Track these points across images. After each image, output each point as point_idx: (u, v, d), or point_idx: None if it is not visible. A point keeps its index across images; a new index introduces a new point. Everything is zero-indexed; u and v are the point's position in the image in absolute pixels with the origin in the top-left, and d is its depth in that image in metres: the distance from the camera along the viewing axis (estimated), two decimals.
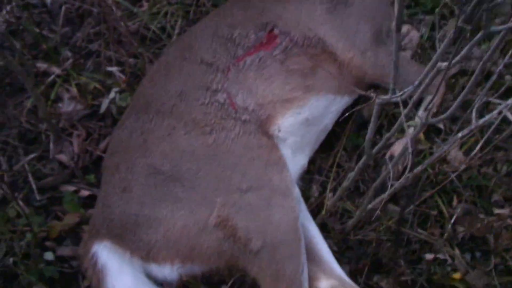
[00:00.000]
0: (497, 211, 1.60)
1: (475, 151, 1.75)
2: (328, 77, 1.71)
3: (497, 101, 1.67)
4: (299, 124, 1.63)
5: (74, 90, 1.83)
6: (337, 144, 1.79)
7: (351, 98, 1.79)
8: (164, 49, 1.93)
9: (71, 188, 1.67)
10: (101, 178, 1.56)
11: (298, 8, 1.73)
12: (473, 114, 1.71)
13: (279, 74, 1.63)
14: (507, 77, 1.96)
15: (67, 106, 1.79)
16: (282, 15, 1.70)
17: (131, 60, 1.92)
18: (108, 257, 1.44)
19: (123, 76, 1.88)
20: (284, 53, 1.65)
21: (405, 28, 2.06)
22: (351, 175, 1.47)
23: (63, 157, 1.71)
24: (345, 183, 1.49)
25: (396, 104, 1.82)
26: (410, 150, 1.74)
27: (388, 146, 1.78)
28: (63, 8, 2.01)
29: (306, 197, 1.66)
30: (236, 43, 1.64)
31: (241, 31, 1.65)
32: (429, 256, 1.57)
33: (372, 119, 1.24)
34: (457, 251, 1.56)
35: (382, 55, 1.79)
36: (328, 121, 1.72)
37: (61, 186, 1.68)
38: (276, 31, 1.67)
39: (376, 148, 1.36)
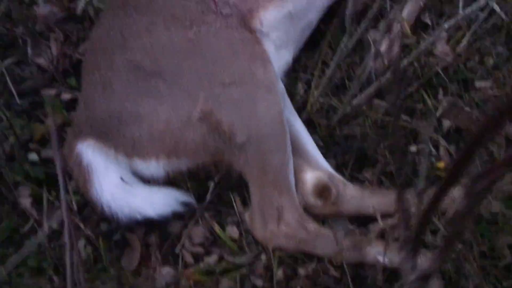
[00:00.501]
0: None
1: (462, 44, 1.74)
2: None
3: None
4: (282, 18, 1.58)
5: None
6: (322, 42, 1.75)
7: None
8: None
9: (52, 91, 1.64)
10: (82, 78, 1.53)
11: None
12: (460, 3, 1.69)
13: None
14: None
15: (42, 9, 1.73)
16: None
17: None
18: (92, 155, 1.43)
19: None
20: None
21: None
22: (330, 68, 1.45)
23: (42, 61, 1.67)
24: (328, 72, 1.46)
25: None
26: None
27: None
28: None
29: (291, 95, 1.64)
30: None
31: None
32: (413, 148, 1.58)
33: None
34: (442, 141, 1.57)
35: None
36: (312, 16, 1.67)
37: (42, 90, 1.64)
38: None
39: (357, 35, 1.32)
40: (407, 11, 1.81)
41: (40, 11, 1.72)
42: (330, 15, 1.76)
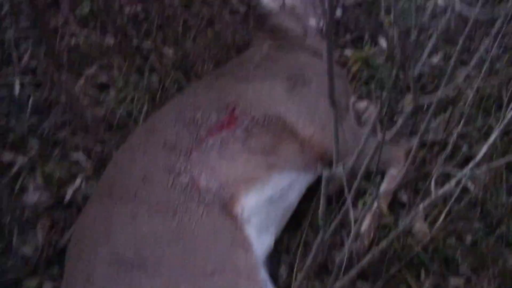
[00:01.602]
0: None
1: (439, 222, 1.79)
2: (291, 155, 1.75)
3: (455, 172, 1.72)
4: (263, 203, 1.64)
5: (39, 179, 1.83)
6: (304, 221, 1.80)
7: (315, 174, 1.82)
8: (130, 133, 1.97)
9: (34, 282, 1.63)
10: (65, 268, 1.53)
11: (258, 88, 1.80)
12: (432, 185, 1.77)
13: (241, 153, 1.66)
14: (464, 147, 2.02)
15: (32, 197, 1.79)
16: (243, 95, 1.76)
17: (97, 146, 1.95)
18: None
19: (89, 163, 1.90)
20: (245, 132, 1.69)
21: (363, 103, 2.14)
22: (312, 253, 1.47)
23: (26, 249, 1.68)
24: (308, 262, 1.48)
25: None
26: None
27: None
28: (31, 98, 2.06)
29: (275, 277, 1.64)
30: (198, 124, 1.68)
31: (203, 112, 1.70)
32: None
33: (322, 192, 1.26)
34: None
35: (342, 129, 1.85)
36: (292, 198, 1.74)
37: (24, 280, 1.64)
38: (237, 112, 1.72)
39: (333, 224, 1.37)
40: (384, 189, 1.89)
41: (29, 199, 1.78)
42: (311, 193, 1.84)
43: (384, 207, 1.85)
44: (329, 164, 1.86)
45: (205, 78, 1.91)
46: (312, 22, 2.31)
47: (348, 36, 2.50)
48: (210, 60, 2.02)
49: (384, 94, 2.19)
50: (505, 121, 1.33)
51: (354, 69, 2.27)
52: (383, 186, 1.90)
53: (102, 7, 2.21)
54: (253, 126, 1.71)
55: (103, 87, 2.12)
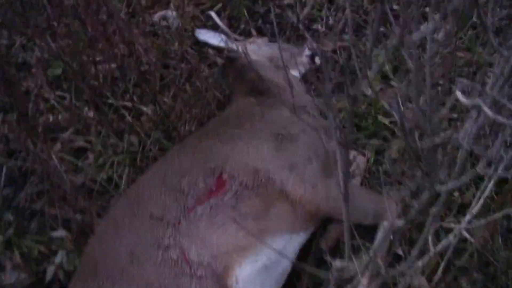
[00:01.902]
0: None
1: (437, 276, 1.74)
2: (282, 216, 1.68)
3: (452, 225, 1.69)
4: (257, 271, 1.57)
5: (17, 257, 1.72)
6: (298, 284, 1.73)
7: (307, 234, 1.76)
8: (112, 201, 1.88)
9: None
10: None
11: (245, 148, 1.74)
12: (429, 241, 1.72)
13: (231, 221, 1.59)
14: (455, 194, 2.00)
15: (10, 277, 1.68)
16: (229, 157, 1.70)
17: (77, 216, 1.85)
18: None
19: (69, 236, 1.80)
20: (234, 197, 1.62)
21: (351, 154, 2.10)
22: None
23: None
24: None
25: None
26: None
27: None
28: (4, 168, 1.96)
29: None
30: (185, 193, 1.60)
31: (189, 179, 1.63)
32: None
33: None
34: None
35: (333, 187, 1.80)
36: (286, 262, 1.67)
37: None
38: (224, 176, 1.66)
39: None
40: (378, 244, 1.84)
41: (7, 279, 1.67)
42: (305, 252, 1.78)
43: (381, 262, 1.79)
44: (322, 220, 1.82)
45: (188, 140, 1.85)
46: (293, 72, 2.29)
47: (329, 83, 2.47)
48: (191, 119, 1.95)
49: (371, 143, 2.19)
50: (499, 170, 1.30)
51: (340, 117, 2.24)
52: (377, 241, 1.85)
53: (75, 67, 2.13)
54: (242, 190, 1.64)
55: (81, 152, 2.04)
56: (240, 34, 2.61)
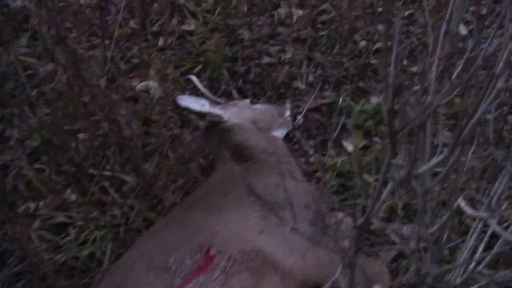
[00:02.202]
0: None
1: None
2: None
3: None
4: None
5: None
6: None
7: None
8: (95, 281, 1.80)
9: None
10: None
11: (232, 221, 1.70)
12: None
13: None
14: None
15: None
16: (217, 231, 1.65)
17: None
18: None
19: None
20: (224, 273, 1.56)
21: (338, 216, 2.07)
22: None
23: None
24: None
25: None
26: None
27: None
28: None
29: None
30: (172, 272, 1.54)
31: (176, 257, 1.57)
32: None
33: None
34: None
35: (323, 253, 1.76)
36: None
37: None
38: (212, 251, 1.60)
39: None
40: None
41: None
42: None
43: None
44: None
45: (174, 213, 1.80)
46: (276, 133, 2.28)
47: (311, 142, 2.46)
48: (176, 188, 1.91)
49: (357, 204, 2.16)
50: None
51: (325, 178, 2.21)
52: None
53: (53, 137, 2.09)
54: (231, 265, 1.58)
55: (61, 228, 1.97)
56: (221, 96, 2.61)
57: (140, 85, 2.23)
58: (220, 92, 2.63)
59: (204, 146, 2.28)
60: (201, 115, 2.29)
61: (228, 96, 2.60)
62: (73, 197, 1.93)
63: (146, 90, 2.14)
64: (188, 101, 2.21)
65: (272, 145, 2.15)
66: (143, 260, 1.60)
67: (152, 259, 1.58)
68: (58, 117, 2.10)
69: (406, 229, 2.04)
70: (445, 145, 0.95)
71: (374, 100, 2.63)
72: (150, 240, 1.70)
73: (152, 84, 2.20)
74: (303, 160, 2.36)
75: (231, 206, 1.75)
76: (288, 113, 2.37)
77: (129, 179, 2.10)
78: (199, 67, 2.72)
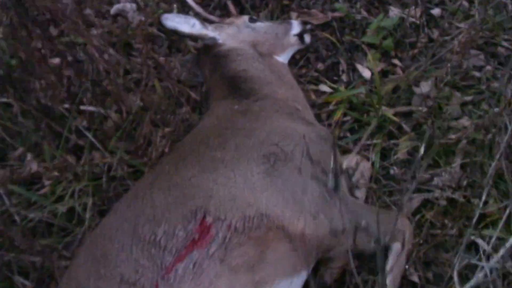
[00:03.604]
0: None
1: None
2: (281, 259, 1.40)
3: (479, 263, 1.43)
4: None
5: None
6: None
7: (308, 270, 1.49)
8: (74, 250, 1.58)
9: None
10: None
11: (231, 178, 1.43)
12: (455, 279, 1.47)
13: (221, 277, 1.30)
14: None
15: None
16: (213, 192, 1.39)
17: (36, 259, 1.55)
18: None
19: (28, 285, 1.52)
20: (223, 247, 1.32)
21: (353, 160, 1.80)
22: None
23: None
24: None
25: None
26: None
27: None
28: None
29: None
30: (162, 247, 1.30)
31: (166, 227, 1.32)
32: None
33: None
34: None
35: (336, 213, 1.52)
36: None
37: None
38: (208, 219, 1.35)
39: None
40: (390, 272, 1.59)
41: None
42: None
43: None
44: (324, 251, 1.55)
45: (162, 167, 1.51)
46: (280, 58, 1.94)
47: (320, 65, 2.13)
48: (164, 135, 1.61)
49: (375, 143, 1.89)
50: None
51: (337, 116, 1.91)
52: (389, 267, 1.59)
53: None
54: (231, 236, 1.34)
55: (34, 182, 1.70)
56: (214, 10, 2.23)
57: (114, 8, 1.84)
58: (213, 5, 2.23)
59: (195, 76, 1.95)
60: (192, 37, 1.93)
61: (223, 11, 2.22)
62: (44, 143, 1.64)
63: (123, 13, 1.76)
64: (176, 21, 1.84)
65: (276, 75, 1.83)
66: (128, 228, 1.35)
67: (137, 228, 1.33)
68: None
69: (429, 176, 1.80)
70: None
71: (394, 12, 2.25)
72: (135, 202, 1.44)
73: (129, 5, 1.81)
74: (311, 88, 2.04)
75: (230, 159, 1.47)
76: (294, 32, 2.01)
77: (111, 114, 1.80)
78: None
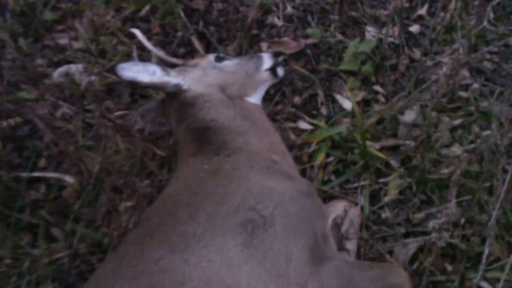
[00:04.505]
0: None
1: None
2: None
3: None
4: None
5: None
6: None
7: None
8: None
9: None
10: None
11: (204, 257, 1.24)
12: None
13: None
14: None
15: None
16: (184, 278, 1.21)
17: None
18: None
19: None
20: None
21: (340, 206, 1.64)
22: None
23: None
24: None
25: None
26: None
27: None
28: None
29: None
30: None
31: None
32: None
33: None
34: None
35: (326, 276, 1.36)
36: None
37: None
38: None
39: None
40: None
41: None
42: None
43: None
44: None
45: (127, 248, 1.33)
46: (253, 99, 1.77)
47: (297, 99, 1.96)
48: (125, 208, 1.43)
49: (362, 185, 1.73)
50: None
51: (319, 159, 1.75)
52: None
53: None
54: None
55: None
56: (178, 47, 2.05)
57: (56, 72, 1.65)
58: (176, 41, 2.06)
59: (162, 125, 1.78)
60: (154, 87, 1.76)
61: (188, 47, 2.05)
62: None
63: (68, 75, 1.57)
64: (133, 71, 1.66)
65: (249, 122, 1.65)
66: None
67: None
68: None
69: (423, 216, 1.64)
70: None
71: (370, 34, 2.10)
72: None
73: (74, 67, 1.63)
74: (289, 126, 1.88)
75: (202, 232, 1.30)
76: (266, 66, 1.84)
77: (70, 180, 1.63)
78: (147, 8, 2.13)
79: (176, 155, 1.68)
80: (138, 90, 1.91)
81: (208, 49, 2.05)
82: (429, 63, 1.94)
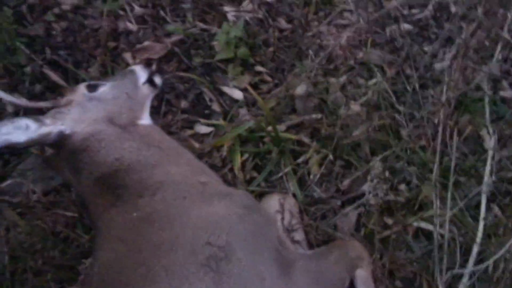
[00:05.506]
0: None
1: None
2: None
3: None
4: None
5: None
6: None
7: None
8: None
9: None
10: None
11: None
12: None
13: None
14: None
15: None
16: None
17: None
18: None
19: None
20: None
21: (274, 200, 1.57)
22: None
23: None
24: None
25: None
26: None
27: None
28: None
29: None
30: None
31: None
32: None
33: None
34: None
35: (299, 280, 1.33)
36: None
37: None
38: None
39: None
40: None
41: None
42: None
43: None
44: None
45: None
46: (144, 120, 1.60)
47: (184, 103, 1.83)
48: None
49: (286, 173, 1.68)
50: None
51: (237, 163, 1.66)
52: None
53: None
54: None
55: None
56: (31, 84, 1.77)
57: None
58: (28, 79, 1.77)
59: (52, 179, 1.54)
60: (34, 144, 1.48)
61: (43, 82, 1.77)
62: None
63: None
64: (3, 133, 1.38)
65: (155, 147, 1.48)
66: None
67: None
68: None
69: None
70: None
71: (231, 14, 2.01)
72: None
73: None
74: (188, 134, 1.75)
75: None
76: (141, 79, 1.67)
77: None
78: None
79: (86, 210, 1.47)
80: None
81: (68, 78, 1.80)
82: (299, 31, 1.93)
